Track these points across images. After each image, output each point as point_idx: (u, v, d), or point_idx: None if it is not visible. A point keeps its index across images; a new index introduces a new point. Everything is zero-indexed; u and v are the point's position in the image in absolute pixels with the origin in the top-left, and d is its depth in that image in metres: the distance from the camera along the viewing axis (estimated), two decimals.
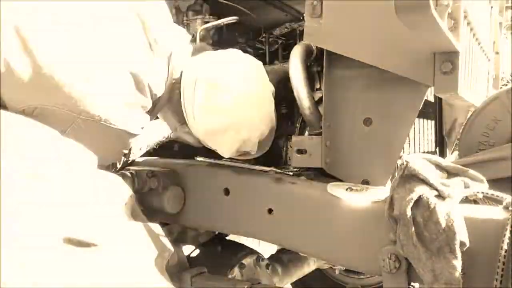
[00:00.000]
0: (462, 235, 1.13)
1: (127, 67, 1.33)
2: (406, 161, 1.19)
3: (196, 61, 1.58)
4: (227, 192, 1.65)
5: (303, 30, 1.52)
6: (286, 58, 1.80)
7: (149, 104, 1.43)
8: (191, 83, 1.52)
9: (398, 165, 1.23)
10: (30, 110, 1.23)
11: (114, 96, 1.33)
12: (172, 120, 1.68)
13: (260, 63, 1.64)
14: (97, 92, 1.29)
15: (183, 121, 1.61)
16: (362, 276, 2.54)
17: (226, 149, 1.58)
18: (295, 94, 1.58)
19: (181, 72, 1.54)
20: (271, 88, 1.64)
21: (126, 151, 1.48)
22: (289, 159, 1.81)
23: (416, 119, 1.74)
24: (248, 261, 1.85)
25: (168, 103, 1.59)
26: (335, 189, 1.41)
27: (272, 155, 1.89)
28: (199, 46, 1.68)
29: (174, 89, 1.55)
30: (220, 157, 1.68)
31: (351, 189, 1.40)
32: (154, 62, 1.43)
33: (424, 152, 1.91)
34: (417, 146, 1.88)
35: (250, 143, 1.57)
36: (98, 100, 1.29)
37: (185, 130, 1.64)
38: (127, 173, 1.72)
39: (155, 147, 1.82)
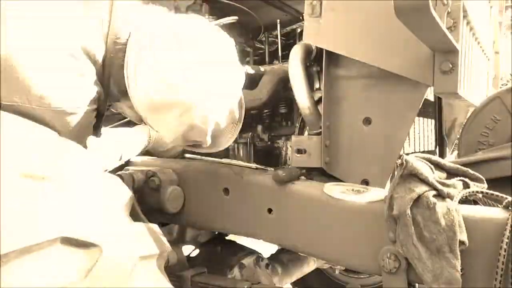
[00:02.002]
0: (461, 234, 1.13)
1: (57, 34, 1.16)
2: (406, 160, 1.19)
3: (154, 16, 1.31)
4: (227, 192, 1.65)
5: (302, 30, 1.52)
6: (285, 58, 1.80)
7: (89, 70, 1.22)
8: (143, 37, 1.25)
9: (398, 165, 1.23)
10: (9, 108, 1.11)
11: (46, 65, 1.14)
12: (114, 90, 1.36)
13: (233, 41, 1.39)
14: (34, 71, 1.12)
15: (124, 92, 1.31)
16: (362, 276, 2.54)
17: (167, 131, 1.33)
18: (295, 94, 1.58)
19: (129, 29, 1.28)
20: (241, 75, 1.40)
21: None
22: (289, 159, 1.81)
23: (416, 118, 1.75)
24: (248, 261, 1.85)
25: (112, 69, 1.31)
26: (331, 190, 1.41)
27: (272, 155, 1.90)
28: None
29: (118, 51, 1.28)
30: (218, 156, 1.67)
31: (348, 190, 1.40)
32: (88, 18, 1.23)
33: (423, 151, 1.91)
34: (417, 146, 1.88)
35: (199, 132, 1.32)
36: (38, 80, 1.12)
37: (127, 103, 1.35)
38: (127, 173, 1.72)
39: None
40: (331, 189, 1.42)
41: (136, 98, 1.28)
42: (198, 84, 1.24)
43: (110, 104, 1.45)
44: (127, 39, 1.28)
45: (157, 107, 1.26)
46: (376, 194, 1.35)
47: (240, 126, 1.54)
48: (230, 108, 1.40)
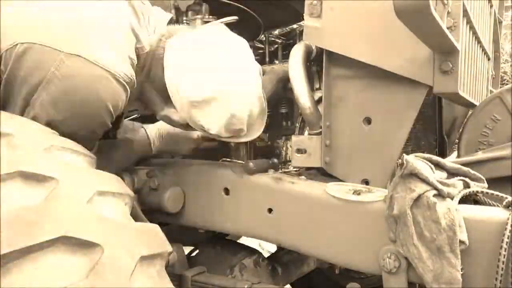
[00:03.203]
0: (462, 234, 1.13)
1: (117, 16, 1.39)
2: (406, 160, 1.19)
3: (183, 33, 1.56)
4: (227, 192, 1.65)
5: (302, 30, 1.52)
6: (285, 58, 1.80)
7: (134, 58, 1.42)
8: (179, 44, 1.51)
9: (398, 165, 1.23)
10: (16, 49, 1.24)
11: (103, 35, 1.33)
12: (156, 100, 1.63)
13: (245, 40, 1.61)
14: (83, 28, 1.30)
15: (167, 100, 1.57)
16: (362, 276, 2.54)
17: (213, 122, 1.51)
18: (295, 93, 1.58)
19: (162, 41, 1.54)
20: (259, 67, 1.62)
21: (113, 103, 1.35)
22: (289, 159, 1.81)
23: None
24: (248, 261, 1.85)
25: (150, 82, 1.58)
26: (333, 190, 1.41)
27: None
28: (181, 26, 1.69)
29: (154, 59, 1.54)
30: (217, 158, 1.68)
31: (350, 191, 1.40)
32: (139, 20, 1.47)
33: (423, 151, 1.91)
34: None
35: (238, 120, 1.51)
36: (85, 37, 1.29)
37: (171, 109, 1.60)
38: (127, 173, 1.73)
39: None
40: (333, 189, 1.42)
41: (179, 103, 1.50)
42: (229, 78, 1.47)
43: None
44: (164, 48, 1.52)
45: (200, 103, 1.46)
46: (378, 194, 1.35)
47: (266, 116, 1.65)
48: (258, 97, 1.57)
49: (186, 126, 1.62)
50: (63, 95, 1.27)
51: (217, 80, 1.45)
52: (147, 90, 1.61)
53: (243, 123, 1.53)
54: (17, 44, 1.24)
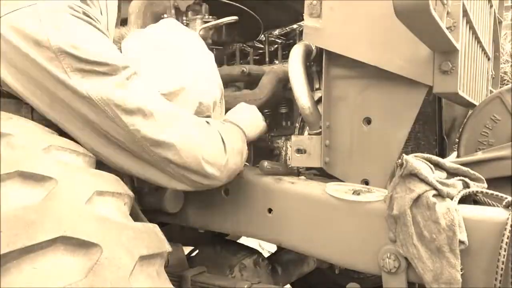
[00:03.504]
0: (461, 234, 1.13)
1: None
2: (405, 160, 1.19)
3: (133, 35, 1.59)
4: (227, 192, 1.65)
5: (302, 30, 1.52)
6: (285, 58, 1.80)
7: None
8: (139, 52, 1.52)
9: (398, 165, 1.23)
10: None
11: None
12: None
13: (196, 32, 1.71)
14: None
15: None
16: (362, 276, 2.54)
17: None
18: (295, 94, 1.58)
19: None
20: (211, 54, 1.67)
21: None
22: (289, 158, 1.81)
23: None
24: (248, 261, 1.85)
25: None
26: (333, 190, 1.41)
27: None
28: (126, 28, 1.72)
29: None
30: None
31: (350, 191, 1.40)
32: None
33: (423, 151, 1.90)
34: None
35: (206, 106, 1.55)
36: None
37: None
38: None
39: None
40: (332, 189, 1.42)
41: None
42: (192, 70, 1.53)
43: None
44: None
45: (168, 95, 1.45)
46: (378, 194, 1.35)
47: (224, 104, 1.72)
48: (218, 83, 1.63)
49: None
50: None
51: (182, 73, 1.50)
52: None
53: (209, 109, 1.57)
54: None
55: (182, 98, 1.49)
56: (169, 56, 1.52)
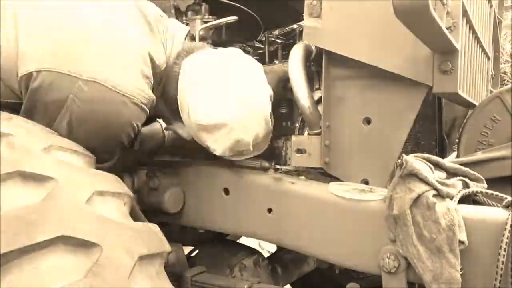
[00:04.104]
0: (461, 234, 1.13)
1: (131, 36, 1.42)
2: (405, 160, 1.19)
3: (200, 54, 1.57)
4: (227, 192, 1.65)
5: (302, 30, 1.52)
6: (285, 58, 1.80)
7: (151, 77, 1.45)
8: (194, 73, 1.51)
9: (397, 165, 1.23)
10: (32, 75, 1.26)
11: (119, 59, 1.36)
12: (166, 113, 1.68)
13: (260, 65, 1.61)
14: (100, 53, 1.32)
15: (176, 114, 1.59)
16: (362, 276, 2.54)
17: (219, 145, 1.52)
18: (295, 94, 1.58)
19: (179, 59, 1.56)
20: (269, 91, 1.59)
21: (132, 126, 1.41)
22: (289, 159, 1.81)
23: None
24: (248, 261, 1.85)
25: (163, 98, 1.61)
26: (336, 190, 1.41)
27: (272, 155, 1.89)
28: (199, 44, 1.68)
29: (170, 76, 1.56)
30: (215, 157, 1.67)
31: (354, 190, 1.40)
32: (155, 39, 1.51)
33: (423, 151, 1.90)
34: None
35: (243, 144, 1.52)
36: (102, 62, 1.32)
37: (179, 124, 1.62)
38: (127, 173, 1.73)
39: None
40: (336, 188, 1.41)
41: (188, 122, 1.53)
42: (240, 106, 1.47)
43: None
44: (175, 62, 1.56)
45: (207, 128, 1.48)
46: (380, 194, 1.35)
47: (271, 134, 1.65)
48: (266, 121, 1.56)
49: (192, 140, 1.63)
50: (83, 121, 1.31)
51: (228, 107, 1.46)
52: (159, 105, 1.61)
53: (247, 146, 1.54)
54: (32, 72, 1.26)
55: (220, 133, 1.48)
56: (220, 84, 1.48)
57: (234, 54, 1.58)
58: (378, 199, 1.32)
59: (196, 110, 1.47)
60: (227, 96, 1.47)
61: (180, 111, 1.55)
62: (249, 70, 1.56)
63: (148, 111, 1.44)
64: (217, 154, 1.56)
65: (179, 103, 1.54)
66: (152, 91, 1.47)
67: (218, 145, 1.52)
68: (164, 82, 1.59)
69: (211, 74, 1.50)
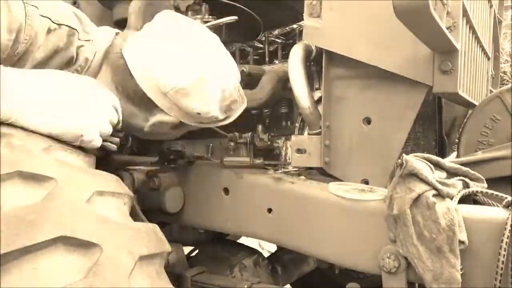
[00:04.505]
0: (461, 234, 1.13)
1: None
2: (405, 160, 1.19)
3: (141, 33, 1.48)
4: (227, 191, 1.65)
5: (302, 30, 1.52)
6: (285, 58, 1.80)
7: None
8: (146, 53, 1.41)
9: (397, 165, 1.23)
10: None
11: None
12: (136, 112, 1.49)
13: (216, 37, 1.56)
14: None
15: (147, 108, 1.46)
16: (362, 276, 2.54)
17: (208, 103, 1.43)
18: (295, 94, 1.58)
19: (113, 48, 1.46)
20: (231, 60, 1.56)
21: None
22: (289, 159, 1.81)
23: None
24: (248, 261, 1.85)
25: (124, 96, 1.45)
26: (336, 189, 1.41)
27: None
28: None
29: (116, 71, 1.44)
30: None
31: (354, 190, 1.40)
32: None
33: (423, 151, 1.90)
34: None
35: (229, 93, 1.47)
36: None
37: (156, 115, 1.47)
38: (127, 173, 1.73)
39: None
40: (336, 188, 1.41)
41: (164, 99, 1.41)
42: (207, 57, 1.43)
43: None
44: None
45: (188, 89, 1.39)
46: (380, 194, 1.35)
47: (245, 104, 1.60)
48: (235, 67, 1.54)
49: (177, 127, 1.54)
50: None
51: (197, 62, 1.40)
52: (123, 107, 1.43)
53: (233, 95, 1.49)
54: None
55: (203, 88, 1.40)
56: (178, 46, 1.41)
57: (173, 19, 1.51)
58: (378, 199, 1.32)
59: (167, 80, 1.38)
60: (190, 54, 1.41)
61: (150, 96, 1.41)
62: (190, 26, 1.51)
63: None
64: (211, 114, 1.46)
65: (143, 88, 1.40)
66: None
67: (206, 103, 1.43)
68: (112, 79, 1.46)
69: (162, 41, 1.41)
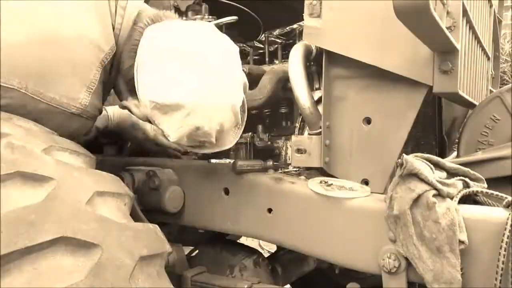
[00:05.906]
0: (461, 234, 1.13)
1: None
2: (405, 160, 1.19)
3: (167, 24, 1.42)
4: (226, 191, 1.65)
5: (302, 30, 1.52)
6: (285, 58, 1.80)
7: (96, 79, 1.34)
8: (153, 49, 1.35)
9: (398, 165, 1.23)
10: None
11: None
12: (123, 88, 1.50)
13: (237, 48, 1.47)
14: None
15: (132, 90, 1.42)
16: (362, 276, 2.54)
17: (174, 130, 1.37)
18: (295, 93, 1.58)
19: (139, 26, 1.42)
20: (243, 79, 1.47)
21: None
22: (289, 159, 1.81)
23: None
24: (248, 261, 1.84)
25: (121, 74, 1.46)
26: (314, 185, 1.42)
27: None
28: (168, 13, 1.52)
29: (124, 49, 1.42)
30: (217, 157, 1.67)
31: (326, 183, 1.40)
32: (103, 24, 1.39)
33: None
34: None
35: (204, 133, 1.37)
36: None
37: (134, 101, 1.46)
38: (127, 173, 1.73)
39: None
40: (313, 184, 1.43)
41: (143, 100, 1.37)
42: (203, 88, 1.32)
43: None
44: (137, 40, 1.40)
45: (161, 107, 1.33)
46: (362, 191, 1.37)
47: (242, 129, 1.57)
48: (234, 110, 1.42)
49: (146, 120, 1.50)
50: None
51: (187, 87, 1.31)
52: (118, 81, 1.48)
53: (209, 137, 1.40)
54: None
55: (176, 116, 1.33)
56: (183, 61, 1.32)
57: (206, 31, 1.41)
58: (378, 199, 1.32)
59: (151, 86, 1.33)
60: (188, 75, 1.31)
61: (135, 87, 1.38)
62: (219, 50, 1.39)
63: (86, 117, 1.34)
64: (171, 140, 1.40)
65: (135, 78, 1.37)
66: (110, 73, 1.41)
67: (173, 130, 1.37)
68: (119, 57, 1.44)
69: (173, 48, 1.33)
